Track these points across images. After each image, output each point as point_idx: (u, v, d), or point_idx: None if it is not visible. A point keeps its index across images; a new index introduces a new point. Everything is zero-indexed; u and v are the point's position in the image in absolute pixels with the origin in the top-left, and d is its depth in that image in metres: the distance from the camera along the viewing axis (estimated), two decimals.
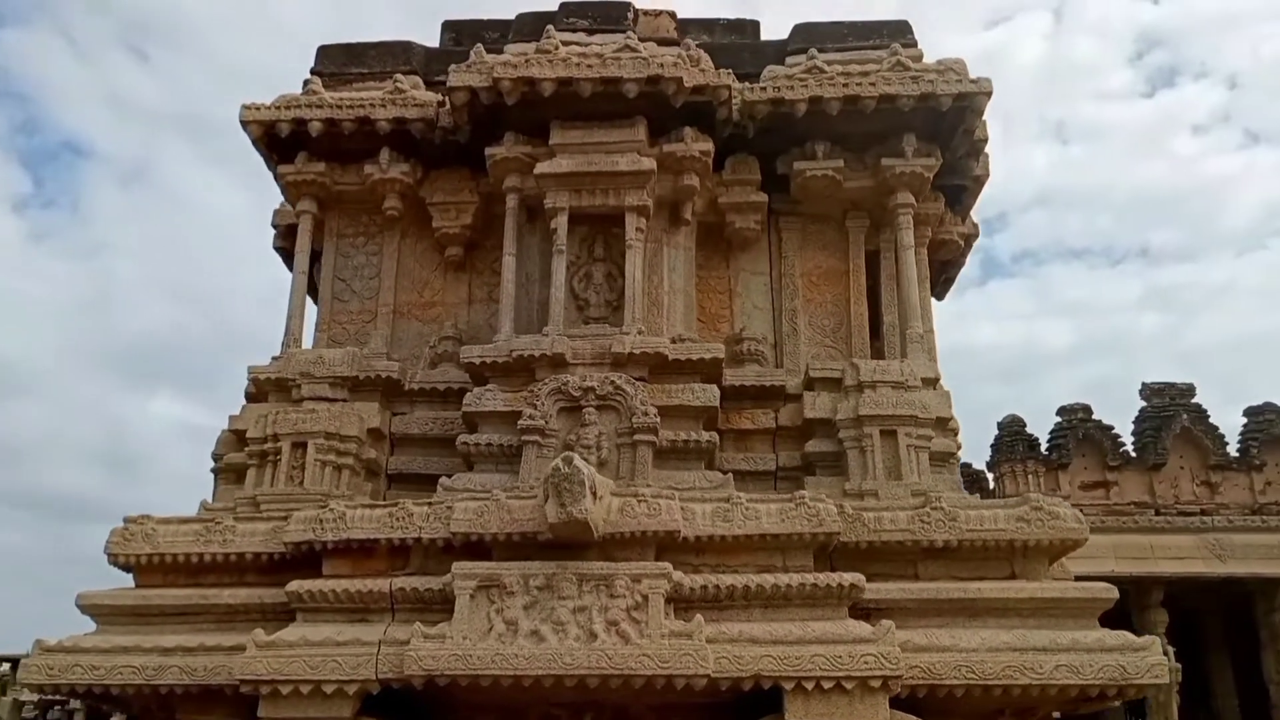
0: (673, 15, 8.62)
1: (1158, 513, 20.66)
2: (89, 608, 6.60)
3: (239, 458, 7.25)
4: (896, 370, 7.06)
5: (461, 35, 8.97)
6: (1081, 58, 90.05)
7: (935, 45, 8.21)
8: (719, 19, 8.84)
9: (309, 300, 8.21)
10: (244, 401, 7.64)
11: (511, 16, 8.82)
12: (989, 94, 7.43)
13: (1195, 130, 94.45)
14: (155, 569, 6.65)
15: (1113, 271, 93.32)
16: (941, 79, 7.41)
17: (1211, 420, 21.64)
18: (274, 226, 9.36)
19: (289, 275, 8.36)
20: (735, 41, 8.62)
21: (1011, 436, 22.20)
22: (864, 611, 6.02)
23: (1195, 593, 20.73)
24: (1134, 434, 21.84)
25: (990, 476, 22.68)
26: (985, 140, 8.10)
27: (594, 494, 5.70)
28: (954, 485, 6.94)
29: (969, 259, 9.14)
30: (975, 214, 8.86)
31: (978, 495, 8.65)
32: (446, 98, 7.65)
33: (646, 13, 8.58)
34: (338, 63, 8.52)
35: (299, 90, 8.06)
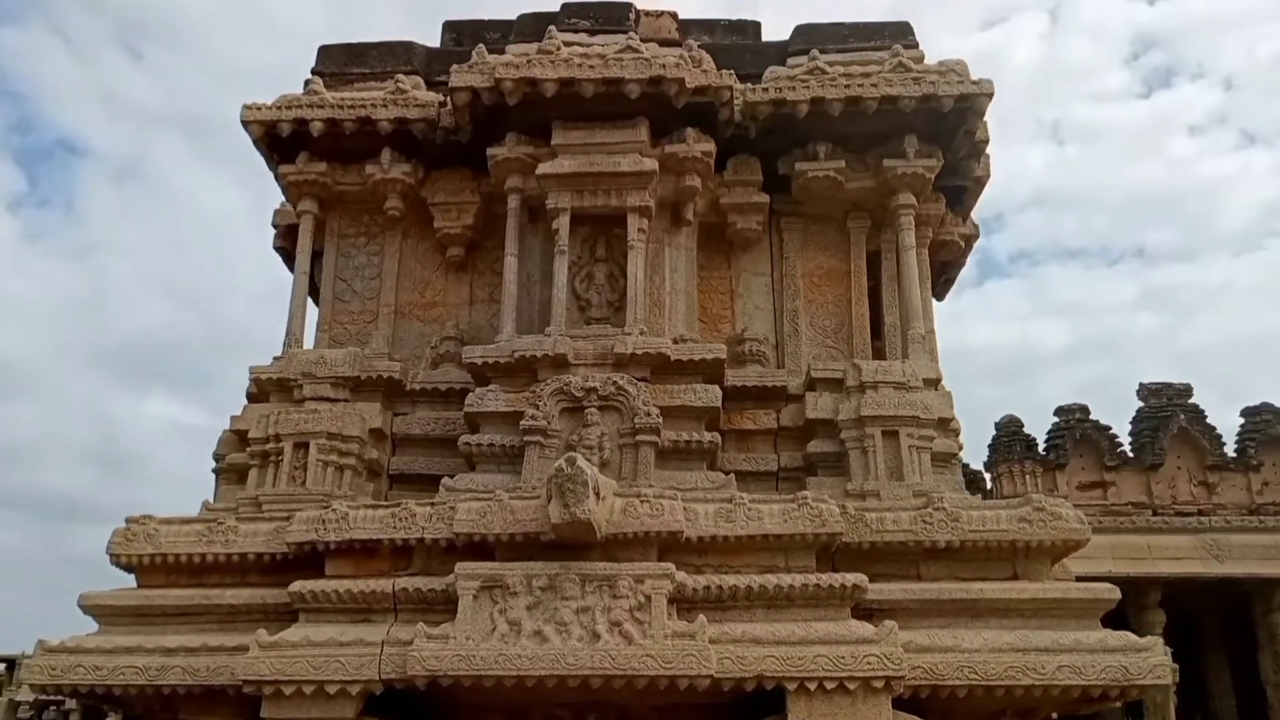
0: (674, 16, 8.63)
1: (1155, 513, 20.69)
2: (91, 608, 6.59)
3: (241, 458, 7.25)
4: (898, 371, 7.07)
5: (462, 35, 8.97)
6: (1077, 59, 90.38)
7: (931, 46, 8.22)
8: (720, 20, 8.85)
9: (310, 300, 8.20)
10: (244, 401, 7.65)
11: (512, 17, 8.82)
12: (990, 95, 7.44)
13: (1191, 131, 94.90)
14: (157, 569, 6.64)
15: (1109, 272, 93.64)
16: (943, 80, 7.41)
17: (1209, 420, 21.68)
18: (274, 226, 9.36)
19: (285, 275, 8.37)
20: (736, 42, 8.62)
21: (1009, 437, 22.22)
22: (866, 612, 6.03)
23: (1192, 593, 20.75)
24: (1131, 434, 21.86)
25: (988, 477, 22.69)
26: (986, 141, 8.12)
27: (597, 494, 5.70)
28: (956, 486, 6.94)
29: (968, 259, 9.16)
30: (974, 214, 8.87)
31: (979, 496, 8.66)
32: (448, 98, 7.65)
33: (648, 13, 8.58)
34: (339, 63, 8.52)
35: (296, 89, 8.06)
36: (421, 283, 8.16)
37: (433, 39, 9.05)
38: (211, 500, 7.39)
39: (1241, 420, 22.00)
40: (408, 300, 8.10)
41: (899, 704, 5.70)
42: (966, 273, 9.20)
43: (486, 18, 9.15)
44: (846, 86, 7.43)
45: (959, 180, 8.17)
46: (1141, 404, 22.19)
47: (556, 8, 8.56)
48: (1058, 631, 5.97)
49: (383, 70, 8.33)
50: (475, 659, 5.59)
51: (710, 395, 6.94)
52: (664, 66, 7.22)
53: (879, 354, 7.75)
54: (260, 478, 7.02)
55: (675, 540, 6.02)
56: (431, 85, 8.17)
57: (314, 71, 8.42)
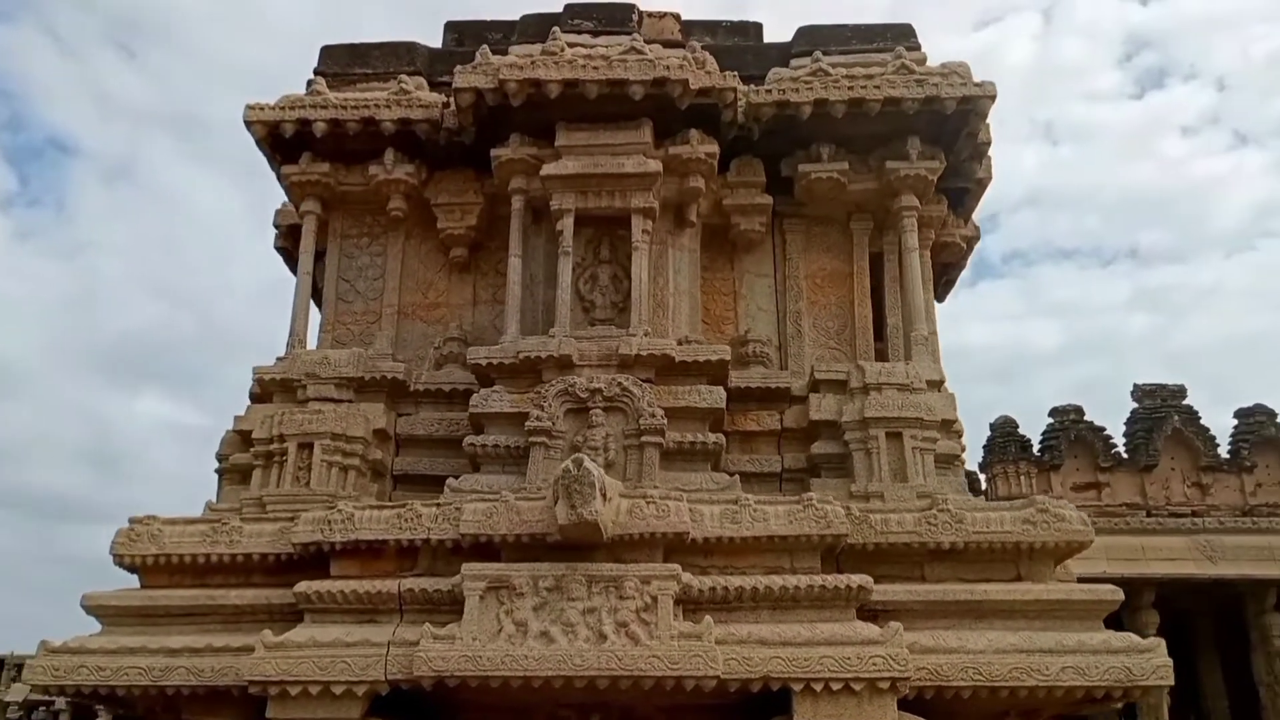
0: (677, 17, 8.63)
1: (1149, 514, 20.71)
2: (94, 608, 6.58)
3: (244, 458, 7.24)
4: (902, 372, 7.09)
5: (464, 36, 8.97)
6: (1071, 59, 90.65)
7: (926, 46, 8.25)
8: (722, 21, 8.86)
9: (311, 301, 8.19)
10: (241, 401, 7.66)
11: (512, 17, 8.82)
12: (993, 97, 7.47)
13: (1184, 132, 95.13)
14: (161, 570, 6.64)
15: (1102, 272, 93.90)
16: (946, 82, 7.44)
17: (1202, 422, 21.73)
18: (275, 227, 9.34)
19: (280, 274, 8.37)
20: (739, 44, 8.64)
21: (1004, 437, 22.23)
22: (871, 613, 6.05)
23: (1186, 594, 20.78)
24: (1125, 435, 21.90)
25: (983, 478, 22.70)
26: (988, 143, 8.15)
27: (604, 496, 5.72)
28: (959, 487, 6.97)
29: (968, 261, 9.18)
30: (973, 215, 8.89)
31: (981, 498, 8.67)
32: (451, 99, 7.65)
33: (651, 14, 8.59)
34: (341, 63, 8.51)
35: (290, 89, 8.06)
36: (425, 283, 8.16)
37: (426, 38, 9.02)
38: (214, 500, 7.39)
39: (1235, 422, 22.05)
40: (411, 301, 8.10)
41: (903, 705, 5.72)
42: (960, 273, 9.23)
43: (488, 18, 9.16)
44: (850, 88, 7.45)
45: (961, 182, 8.20)
46: (1136, 405, 22.22)
47: (558, 8, 8.56)
48: (1061, 633, 6.00)
49: (385, 71, 8.33)
50: (482, 660, 5.60)
51: (715, 396, 6.95)
52: (668, 68, 7.23)
53: (881, 355, 7.77)
54: (264, 478, 7.02)
55: (681, 541, 6.03)
56: (434, 86, 8.17)
57: (316, 71, 8.42)
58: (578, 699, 5.95)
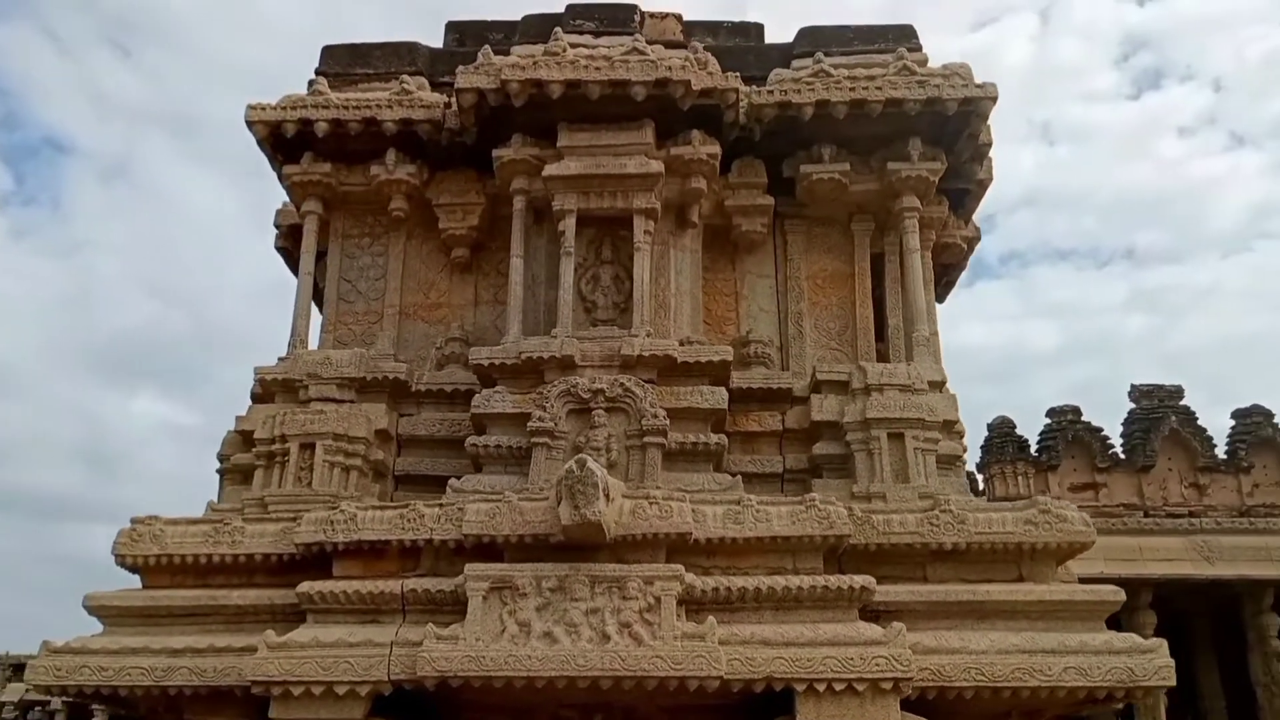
0: (679, 18, 8.64)
1: (1146, 514, 20.74)
2: (96, 609, 6.58)
3: (246, 458, 7.24)
4: (903, 373, 7.10)
5: (465, 36, 8.96)
6: (1068, 60, 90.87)
7: (923, 47, 8.27)
8: (724, 22, 8.87)
9: (313, 301, 8.19)
10: (240, 401, 7.68)
11: (513, 18, 8.83)
12: (994, 99, 7.48)
13: (1181, 132, 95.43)
14: (163, 570, 6.63)
15: (1099, 273, 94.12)
16: (947, 83, 7.45)
17: (1199, 422, 21.76)
18: (276, 227, 9.34)
19: (279, 274, 8.41)
20: (740, 45, 8.64)
21: (1001, 438, 22.25)
22: (873, 614, 6.06)
23: (1183, 594, 20.82)
24: (1123, 436, 21.93)
25: (980, 478, 22.73)
26: (989, 144, 8.17)
27: (607, 496, 5.72)
28: (960, 488, 6.98)
29: (968, 261, 9.19)
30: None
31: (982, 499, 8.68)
32: (453, 99, 7.65)
33: (652, 15, 8.59)
34: (342, 63, 8.51)
35: (288, 89, 8.05)
36: (426, 284, 8.16)
37: (427, 38, 9.02)
38: (215, 500, 7.38)
39: (1232, 422, 22.09)
40: (412, 301, 8.09)
41: (905, 705, 5.72)
42: (961, 273, 9.25)
43: (489, 19, 9.15)
44: (851, 89, 7.45)
45: (961, 183, 8.22)
46: (1133, 405, 22.26)
47: (560, 9, 8.56)
48: (1063, 633, 6.02)
49: (387, 71, 8.33)
50: (485, 660, 5.60)
51: (716, 397, 6.96)
52: (670, 69, 7.24)
53: (882, 356, 7.78)
54: (266, 478, 7.01)
55: (684, 542, 6.04)
56: (435, 86, 8.17)
57: (318, 71, 8.41)
58: (581, 699, 5.96)
